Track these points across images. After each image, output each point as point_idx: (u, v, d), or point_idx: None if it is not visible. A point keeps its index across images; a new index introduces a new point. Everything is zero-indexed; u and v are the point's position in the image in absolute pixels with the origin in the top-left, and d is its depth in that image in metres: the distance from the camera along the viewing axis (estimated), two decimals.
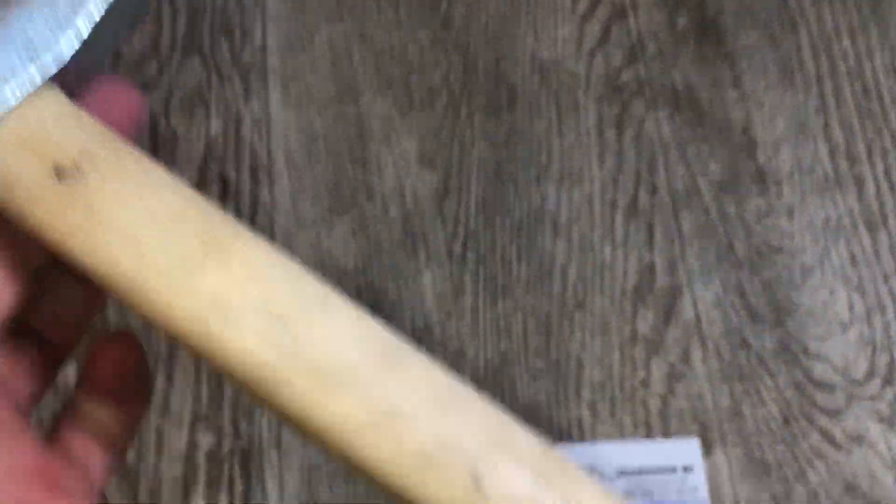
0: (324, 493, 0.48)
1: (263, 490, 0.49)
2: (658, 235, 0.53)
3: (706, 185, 0.54)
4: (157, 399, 0.50)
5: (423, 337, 0.52)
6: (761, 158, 0.55)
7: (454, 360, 0.51)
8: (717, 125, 0.56)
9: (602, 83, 0.57)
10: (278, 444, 0.49)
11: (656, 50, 0.57)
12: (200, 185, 0.54)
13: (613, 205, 0.54)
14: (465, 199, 0.54)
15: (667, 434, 0.49)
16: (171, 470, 0.49)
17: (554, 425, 0.50)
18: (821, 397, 0.50)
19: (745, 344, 0.51)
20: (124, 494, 0.48)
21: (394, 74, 0.57)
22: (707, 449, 0.49)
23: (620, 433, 0.50)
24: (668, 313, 0.52)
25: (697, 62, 0.57)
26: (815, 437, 0.49)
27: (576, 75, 0.57)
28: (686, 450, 0.49)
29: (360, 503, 0.48)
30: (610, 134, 0.56)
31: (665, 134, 0.55)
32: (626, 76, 0.56)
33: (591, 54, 0.57)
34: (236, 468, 0.49)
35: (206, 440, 0.49)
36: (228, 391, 0.50)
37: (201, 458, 0.49)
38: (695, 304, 0.52)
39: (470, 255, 0.53)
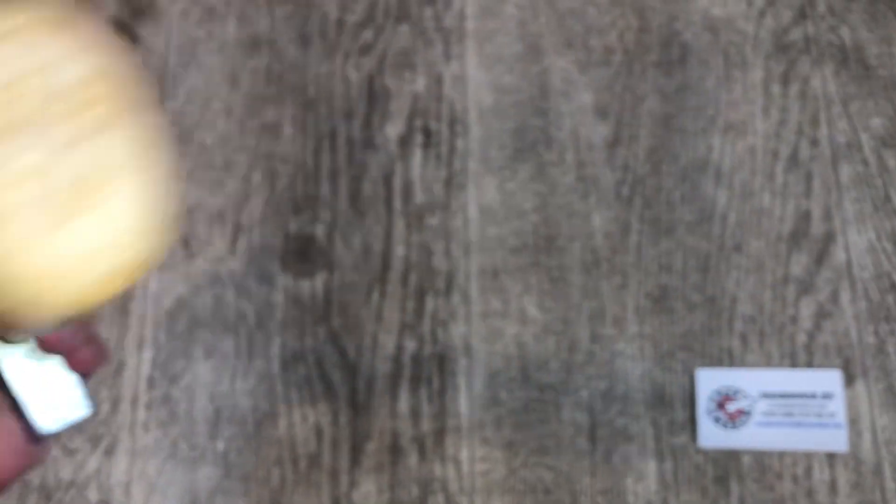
0: (503, 394, 0.58)
1: (454, 388, 0.59)
2: (816, 185, 0.57)
3: (867, 139, 0.57)
4: (372, 311, 0.61)
5: (590, 270, 0.59)
6: None
7: (618, 291, 0.59)
8: (883, 81, 0.58)
9: (770, 41, 0.60)
10: (468, 352, 0.60)
11: (826, 8, 0.60)
12: (407, 134, 0.64)
13: (775, 155, 0.59)
14: (634, 147, 0.61)
15: (811, 366, 0.55)
16: (383, 367, 0.61)
17: (706, 351, 0.57)
18: None
19: (894, 287, 0.55)
20: (348, 385, 0.61)
21: (574, 34, 0.64)
22: (849, 381, 0.54)
23: (767, 363, 0.56)
24: (821, 257, 0.57)
25: (868, 19, 0.59)
26: None
27: (745, 33, 0.61)
28: (827, 379, 0.54)
29: (534, 400, 0.58)
30: (775, 89, 0.60)
31: (830, 90, 0.59)
32: (794, 34, 0.60)
33: (762, 13, 0.61)
34: (434, 369, 0.60)
35: (410, 345, 0.61)
36: (429, 306, 0.61)
37: (406, 359, 0.60)
38: (847, 250, 0.56)
39: (637, 199, 0.60)
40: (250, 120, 0.67)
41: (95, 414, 0.60)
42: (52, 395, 0.34)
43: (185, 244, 0.66)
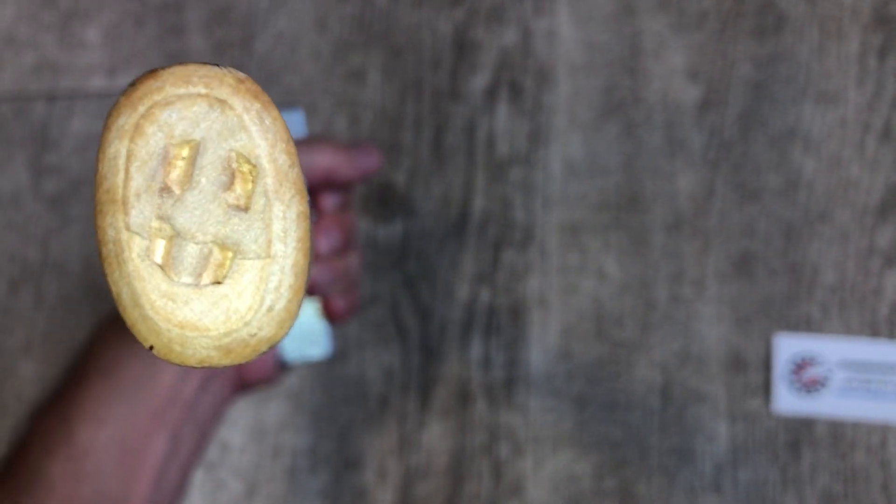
0: (576, 347, 0.59)
1: (526, 340, 0.60)
2: None
3: None
4: (447, 259, 0.62)
5: (672, 231, 0.60)
6: None
7: (699, 253, 0.59)
8: None
9: (869, 13, 0.60)
10: (543, 305, 0.60)
11: None
12: (493, 88, 0.65)
13: (866, 127, 0.58)
14: (723, 111, 0.61)
15: (892, 338, 0.54)
16: (456, 314, 0.61)
17: (785, 318, 0.57)
18: None
19: None
20: (420, 330, 0.61)
21: None
22: None
23: (847, 331, 0.56)
24: None
25: None
26: None
27: (842, 4, 0.60)
28: None
29: (607, 355, 0.58)
30: (871, 61, 0.59)
31: None
32: (895, 8, 0.59)
33: None
34: (507, 319, 0.60)
35: (485, 294, 0.61)
36: (506, 258, 0.61)
37: (480, 308, 0.61)
38: None
39: (723, 163, 0.60)
40: (336, 65, 0.68)
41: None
42: (301, 331, 0.36)
43: None
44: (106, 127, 0.21)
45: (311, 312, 0.39)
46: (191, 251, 0.20)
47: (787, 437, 0.55)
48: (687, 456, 0.56)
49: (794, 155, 0.59)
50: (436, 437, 0.59)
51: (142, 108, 0.20)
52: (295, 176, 0.21)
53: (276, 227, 0.21)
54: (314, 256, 0.35)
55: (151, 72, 0.20)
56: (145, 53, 0.71)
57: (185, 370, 0.33)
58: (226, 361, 0.21)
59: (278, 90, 0.68)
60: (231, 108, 0.21)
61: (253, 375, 0.37)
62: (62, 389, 0.35)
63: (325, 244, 0.36)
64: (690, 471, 0.56)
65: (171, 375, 0.33)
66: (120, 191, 0.20)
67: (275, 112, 0.21)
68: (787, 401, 0.55)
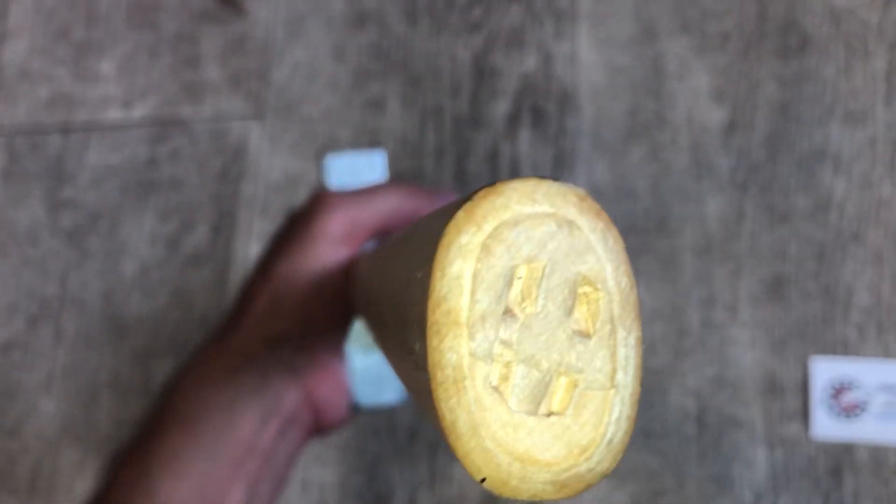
0: None
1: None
2: None
3: None
4: None
5: (702, 255, 0.59)
6: None
7: (731, 276, 0.58)
8: None
9: (894, 31, 0.59)
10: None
11: None
12: (515, 113, 0.64)
13: None
14: (750, 133, 0.60)
15: None
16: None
17: (820, 341, 0.56)
18: None
19: None
20: None
21: (690, 18, 0.63)
22: None
23: (885, 354, 0.55)
24: None
25: None
26: None
27: (868, 23, 0.60)
28: None
29: (641, 383, 0.57)
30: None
31: None
32: None
33: (887, 2, 0.60)
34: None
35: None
36: None
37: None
38: None
39: (751, 185, 0.59)
40: (355, 95, 0.68)
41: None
42: (376, 375, 0.35)
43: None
44: (444, 244, 0.19)
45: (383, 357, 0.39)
46: (533, 379, 0.19)
47: (827, 464, 0.54)
48: (725, 484, 0.55)
49: (823, 175, 0.58)
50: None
51: (487, 227, 0.19)
52: (635, 299, 0.20)
53: (620, 354, 0.20)
54: None
55: (491, 186, 0.19)
56: (160, 85, 0.70)
57: (265, 418, 0.33)
58: (558, 496, 0.19)
59: (297, 120, 0.68)
60: (578, 228, 0.20)
61: (329, 420, 0.36)
62: (140, 439, 0.34)
63: None
64: (729, 499, 0.55)
65: (250, 424, 0.32)
66: (464, 313, 0.19)
67: (615, 231, 0.20)
68: (826, 426, 0.54)
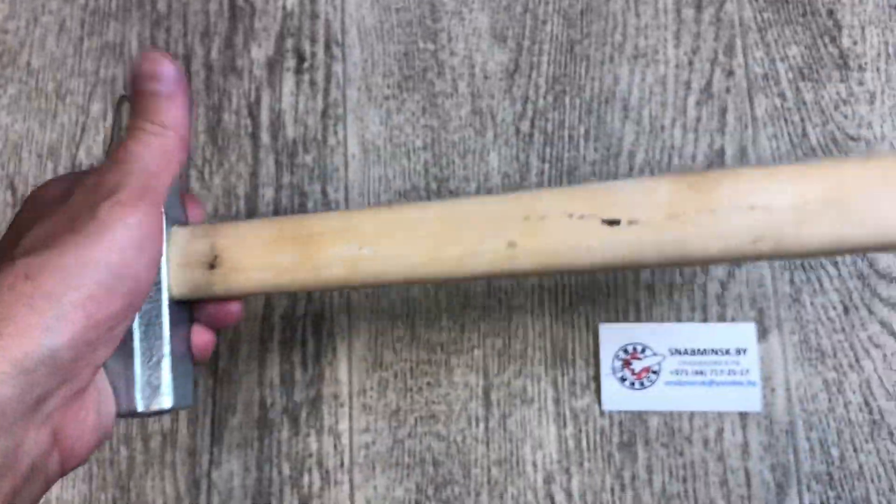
0: (388, 355, 0.51)
1: (333, 350, 0.52)
2: (731, 120, 0.52)
3: (785, 70, 0.52)
4: None
5: None
6: (845, 43, 0.53)
7: None
8: (801, 7, 0.53)
9: None
10: (348, 309, 0.52)
11: None
12: (276, 57, 0.55)
13: (687, 87, 0.53)
14: (535, 76, 0.54)
15: (723, 319, 0.50)
16: (250, 329, 0.53)
17: (611, 305, 0.51)
18: (884, 288, 0.49)
19: None
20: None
21: None
22: (762, 334, 0.50)
23: (677, 317, 0.51)
24: None
25: None
26: (874, 328, 0.49)
27: None
28: (740, 333, 0.49)
29: (424, 361, 0.51)
30: (688, 13, 0.54)
31: (746, 15, 0.53)
32: None
33: None
34: (308, 329, 0.52)
35: (280, 304, 0.53)
36: None
37: (276, 320, 0.53)
38: None
39: (537, 134, 0.53)
40: (89, 39, 0.57)
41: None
42: (159, 381, 0.34)
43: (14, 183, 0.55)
44: None
45: (178, 362, 0.37)
46: None
47: (620, 437, 0.50)
48: (515, 467, 0.50)
49: (613, 121, 0.53)
50: (232, 474, 0.51)
51: None
52: None
53: None
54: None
55: None
56: None
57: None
58: None
59: (16, 72, 0.57)
60: None
61: (78, 457, 0.32)
62: None
63: None
64: (520, 483, 0.50)
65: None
66: None
67: None
68: (617, 397, 0.50)
